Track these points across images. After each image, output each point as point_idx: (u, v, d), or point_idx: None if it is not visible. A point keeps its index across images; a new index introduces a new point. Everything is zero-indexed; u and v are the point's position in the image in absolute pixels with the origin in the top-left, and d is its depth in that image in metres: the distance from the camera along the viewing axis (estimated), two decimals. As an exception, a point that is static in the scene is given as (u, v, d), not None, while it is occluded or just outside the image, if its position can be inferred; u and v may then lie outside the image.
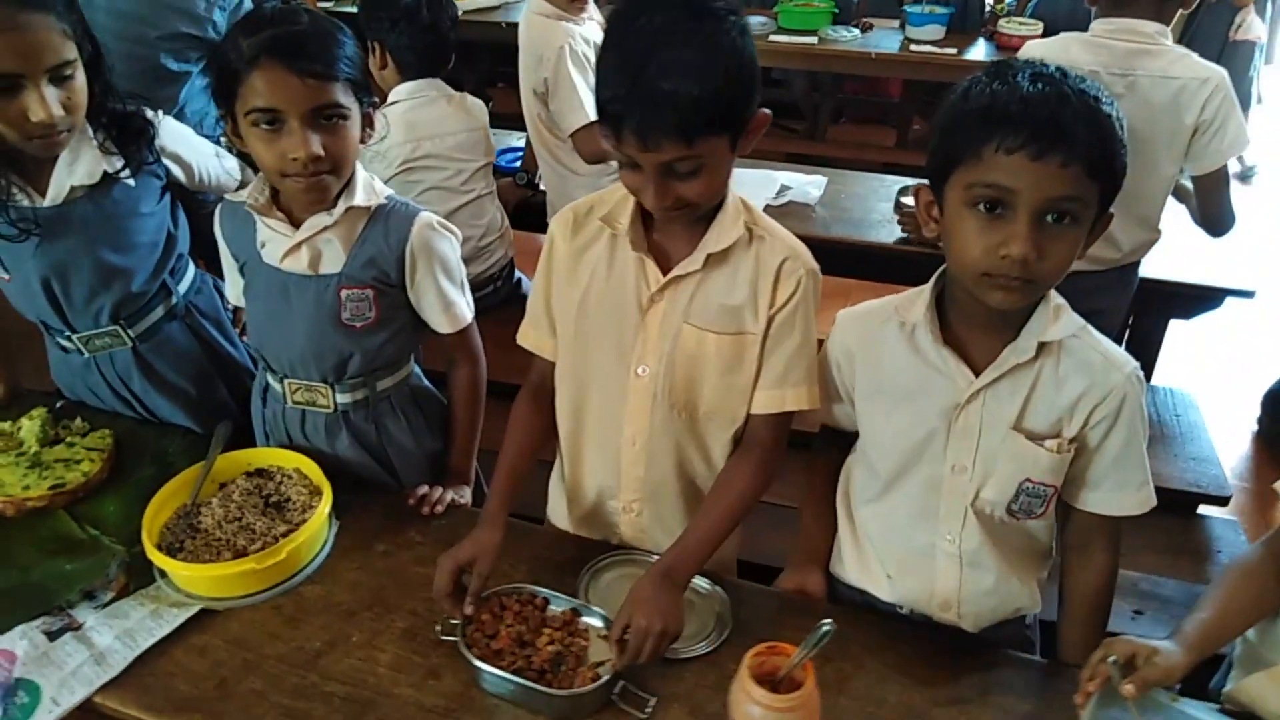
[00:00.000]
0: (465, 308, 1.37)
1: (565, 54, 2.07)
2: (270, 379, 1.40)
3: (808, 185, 2.53)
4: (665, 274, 1.14)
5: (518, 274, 2.44)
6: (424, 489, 1.39)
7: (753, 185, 2.49)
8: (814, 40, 4.15)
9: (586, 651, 1.13)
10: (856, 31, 4.24)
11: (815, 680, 0.96)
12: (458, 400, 1.45)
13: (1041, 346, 1.05)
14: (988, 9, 4.53)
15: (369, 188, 1.29)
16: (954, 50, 4.03)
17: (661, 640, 1.07)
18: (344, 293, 1.29)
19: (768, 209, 2.45)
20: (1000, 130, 0.94)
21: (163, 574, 1.26)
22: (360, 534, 1.34)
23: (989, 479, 1.10)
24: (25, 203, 1.35)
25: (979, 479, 1.10)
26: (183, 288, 1.55)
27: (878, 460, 1.18)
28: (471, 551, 1.15)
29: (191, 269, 1.59)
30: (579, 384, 1.24)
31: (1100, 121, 0.95)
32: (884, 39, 4.26)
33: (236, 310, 1.68)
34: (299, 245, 1.27)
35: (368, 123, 1.25)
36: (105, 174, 1.37)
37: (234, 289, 1.41)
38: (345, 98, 1.19)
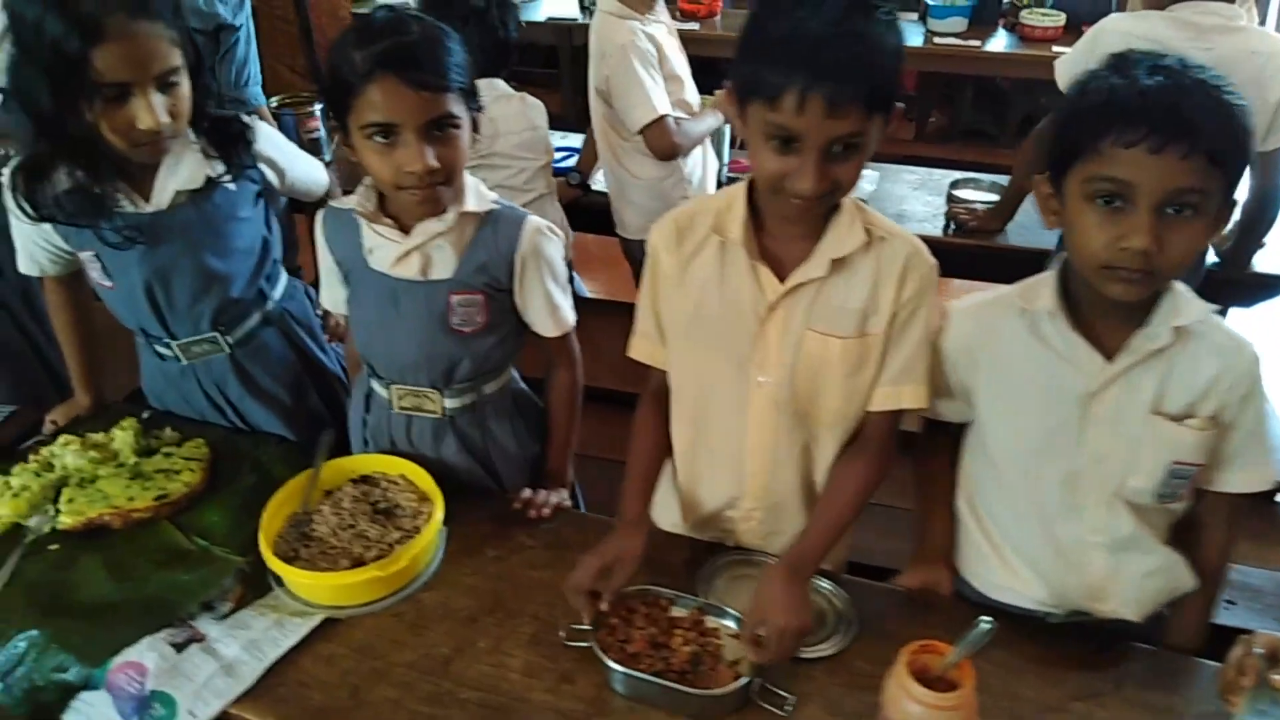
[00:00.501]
0: (570, 311, 1.37)
1: (629, 50, 2.06)
2: (376, 385, 1.40)
3: (863, 183, 2.52)
4: (781, 280, 1.13)
5: (573, 274, 2.44)
6: (527, 492, 1.39)
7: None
8: (837, 34, 4.14)
9: (721, 651, 1.14)
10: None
11: (975, 680, 0.96)
12: (557, 403, 1.45)
13: (1175, 331, 1.06)
14: (1006, 1, 4.53)
15: (478, 193, 1.29)
16: (977, 42, 4.04)
17: (797, 637, 1.08)
18: (454, 298, 1.29)
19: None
20: (1119, 124, 0.95)
21: (279, 583, 1.25)
22: (469, 539, 1.34)
23: (1135, 466, 1.10)
24: (130, 208, 1.35)
25: (1123, 466, 1.10)
26: (277, 293, 1.55)
27: (1004, 458, 1.18)
28: (615, 553, 1.16)
29: (284, 275, 1.58)
30: (697, 393, 1.24)
31: (1222, 111, 0.96)
32: (905, 32, 4.25)
33: (324, 316, 1.67)
34: (410, 252, 1.26)
35: (475, 127, 1.25)
36: (207, 178, 1.37)
37: (330, 296, 1.41)
38: (457, 107, 1.19)
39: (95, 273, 1.41)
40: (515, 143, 2.18)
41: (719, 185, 2.42)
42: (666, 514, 1.35)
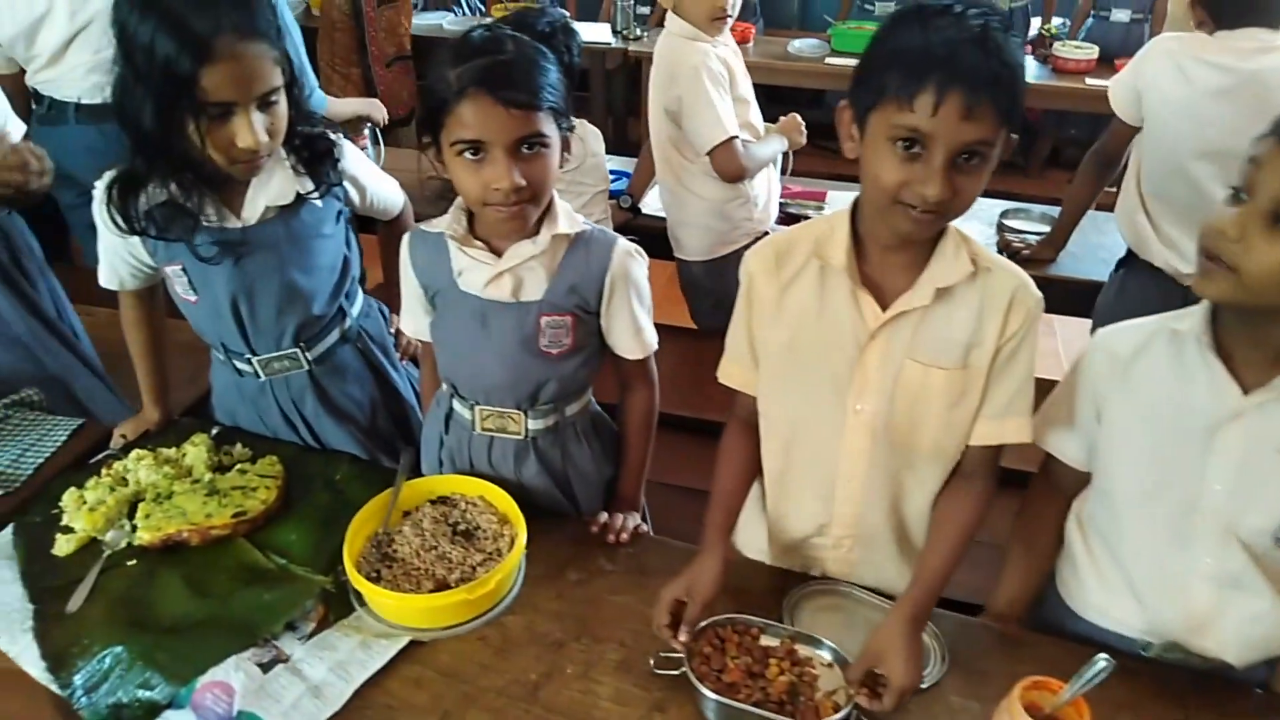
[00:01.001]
0: (653, 334, 1.37)
1: (701, 71, 2.06)
2: (458, 406, 1.39)
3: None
4: (883, 308, 1.13)
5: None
6: (604, 516, 1.38)
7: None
8: (871, 63, 4.17)
9: (816, 681, 1.12)
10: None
11: (1091, 718, 0.95)
12: (634, 426, 1.44)
13: None
14: (1032, 32, 4.57)
15: (569, 215, 1.29)
16: (1011, 73, 4.06)
17: (914, 690, 1.07)
18: (544, 319, 1.28)
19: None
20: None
21: (362, 603, 1.24)
22: (550, 562, 1.33)
23: (1254, 504, 1.08)
24: (220, 223, 1.36)
25: (1243, 503, 1.09)
26: (355, 311, 1.55)
27: (1122, 478, 1.17)
28: (691, 581, 1.15)
29: (361, 293, 1.58)
30: (790, 420, 1.23)
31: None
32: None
33: (396, 335, 1.67)
34: (501, 274, 1.26)
35: (565, 147, 1.25)
36: (296, 194, 1.38)
37: (413, 322, 1.40)
38: (548, 126, 1.19)
39: (180, 287, 1.41)
40: (573, 169, 2.19)
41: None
42: (752, 541, 1.34)
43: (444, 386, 1.42)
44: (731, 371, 1.28)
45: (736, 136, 2.09)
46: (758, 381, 1.26)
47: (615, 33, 4.74)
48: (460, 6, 5.40)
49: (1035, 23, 4.68)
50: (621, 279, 1.30)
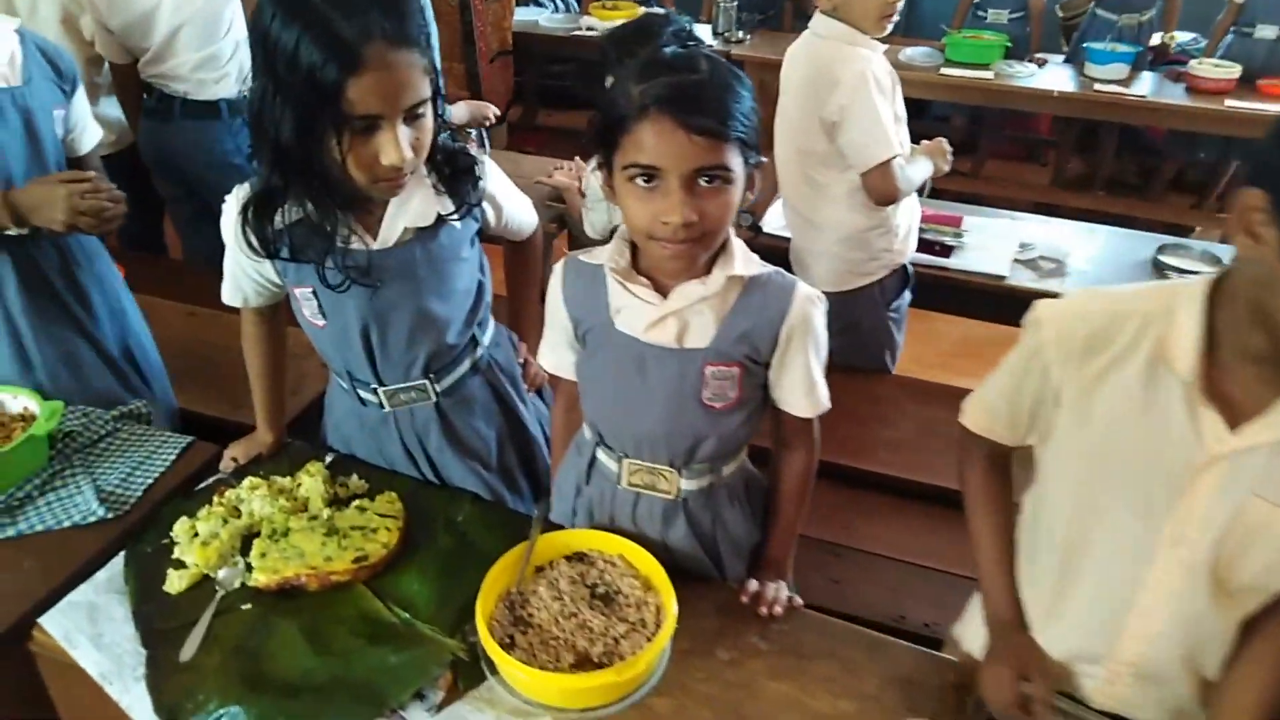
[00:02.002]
0: (826, 391, 1.22)
1: (867, 80, 1.89)
2: (604, 456, 1.27)
3: (1057, 239, 2.34)
4: (1231, 428, 0.90)
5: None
6: (754, 585, 1.25)
7: (993, 239, 2.32)
8: (989, 75, 3.96)
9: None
10: (1033, 67, 4.05)
11: None
12: (790, 489, 1.30)
13: None
14: (1175, 47, 4.30)
15: (746, 255, 1.15)
16: (1143, 92, 3.81)
17: None
18: (709, 369, 1.15)
19: (1017, 265, 2.29)
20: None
21: (494, 670, 1.13)
22: (697, 635, 1.20)
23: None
24: (356, 245, 1.26)
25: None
26: (486, 339, 1.44)
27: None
28: (1024, 659, 1.06)
29: (492, 321, 1.47)
30: (1081, 529, 1.05)
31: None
32: (1059, 75, 4.06)
33: (523, 365, 1.56)
34: (666, 316, 1.13)
35: (750, 185, 1.11)
36: (438, 216, 1.27)
37: (555, 358, 1.28)
38: (733, 159, 1.05)
39: (309, 311, 1.32)
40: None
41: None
42: (979, 637, 1.18)
43: (587, 432, 1.29)
44: (978, 417, 1.14)
45: (898, 155, 1.92)
46: (1009, 433, 1.12)
47: (716, 34, 4.60)
48: (555, 2, 5.32)
49: (1156, 38, 4.42)
50: (801, 328, 1.16)
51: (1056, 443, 1.05)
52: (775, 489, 1.32)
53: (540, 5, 5.17)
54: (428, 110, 1.16)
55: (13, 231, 1.49)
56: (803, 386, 1.20)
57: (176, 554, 1.29)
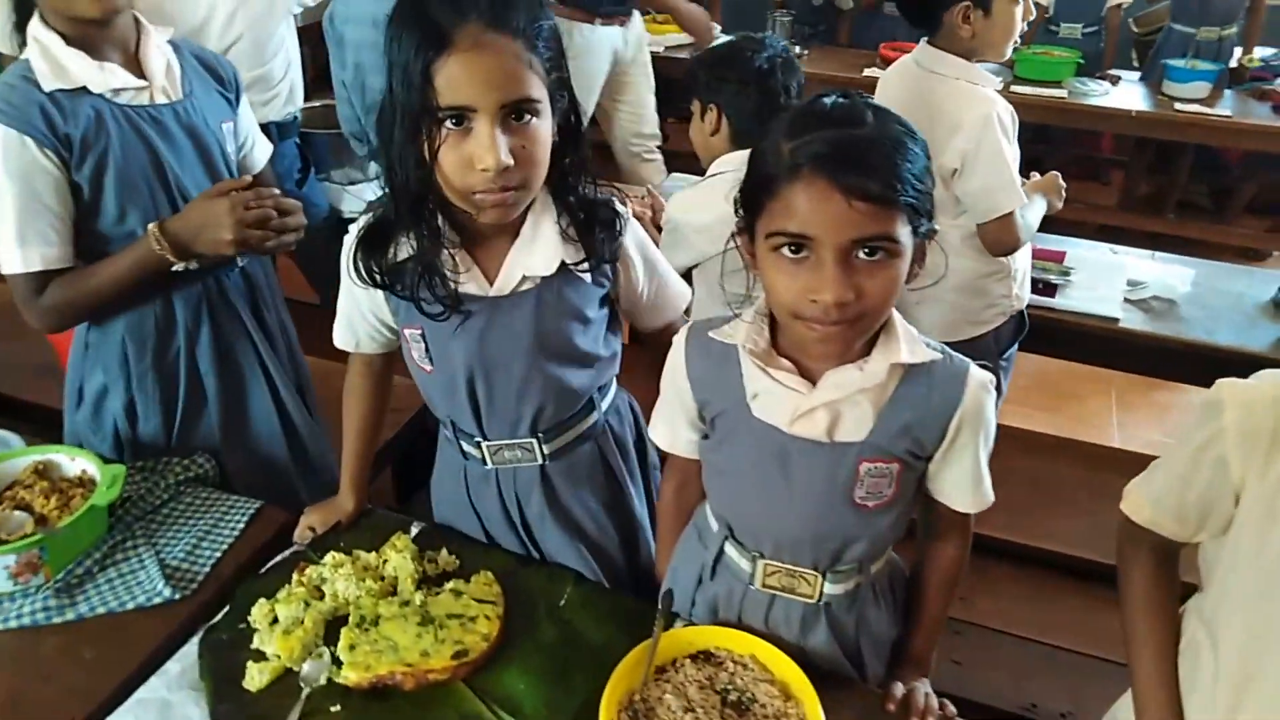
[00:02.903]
0: (990, 484, 1.07)
1: (994, 123, 1.75)
2: (735, 553, 1.13)
3: (1168, 277, 2.18)
4: None
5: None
6: (900, 689, 1.10)
7: (1098, 275, 2.16)
8: (1063, 93, 3.80)
9: None
10: (1107, 85, 3.88)
11: None
12: (941, 582, 1.16)
13: None
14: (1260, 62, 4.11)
15: (911, 338, 1.00)
16: (1226, 112, 3.63)
17: None
18: (864, 466, 1.00)
19: (1129, 306, 2.12)
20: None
21: (620, 797, 0.99)
22: (843, 751, 1.06)
23: None
24: (471, 288, 1.13)
25: None
26: (605, 405, 1.30)
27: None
28: None
29: (615, 386, 1.33)
30: (1256, 657, 0.92)
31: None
32: (1133, 93, 3.89)
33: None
34: (815, 408, 0.99)
35: (919, 257, 0.96)
36: (562, 264, 1.14)
37: (669, 431, 1.15)
38: (900, 228, 0.90)
39: (417, 353, 1.20)
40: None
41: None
42: None
43: (713, 523, 1.15)
44: (1145, 511, 1.00)
45: (1021, 204, 1.77)
46: (1182, 530, 0.98)
47: (772, 50, 4.45)
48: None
49: (1236, 53, 4.23)
50: (972, 420, 1.01)
51: (1231, 547, 0.92)
52: (923, 582, 1.17)
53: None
54: (539, 119, 1.03)
55: (179, 267, 1.38)
56: (970, 481, 1.05)
57: (256, 643, 1.16)
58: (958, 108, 1.78)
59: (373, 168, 2.77)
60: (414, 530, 1.34)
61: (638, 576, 1.37)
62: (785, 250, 0.91)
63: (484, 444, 1.24)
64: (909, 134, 0.91)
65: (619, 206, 1.18)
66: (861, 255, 0.89)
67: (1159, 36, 4.27)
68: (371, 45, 2.20)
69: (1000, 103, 1.80)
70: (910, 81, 1.89)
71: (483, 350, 1.15)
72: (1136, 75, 4.22)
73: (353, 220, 2.79)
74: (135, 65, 1.36)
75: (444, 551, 1.30)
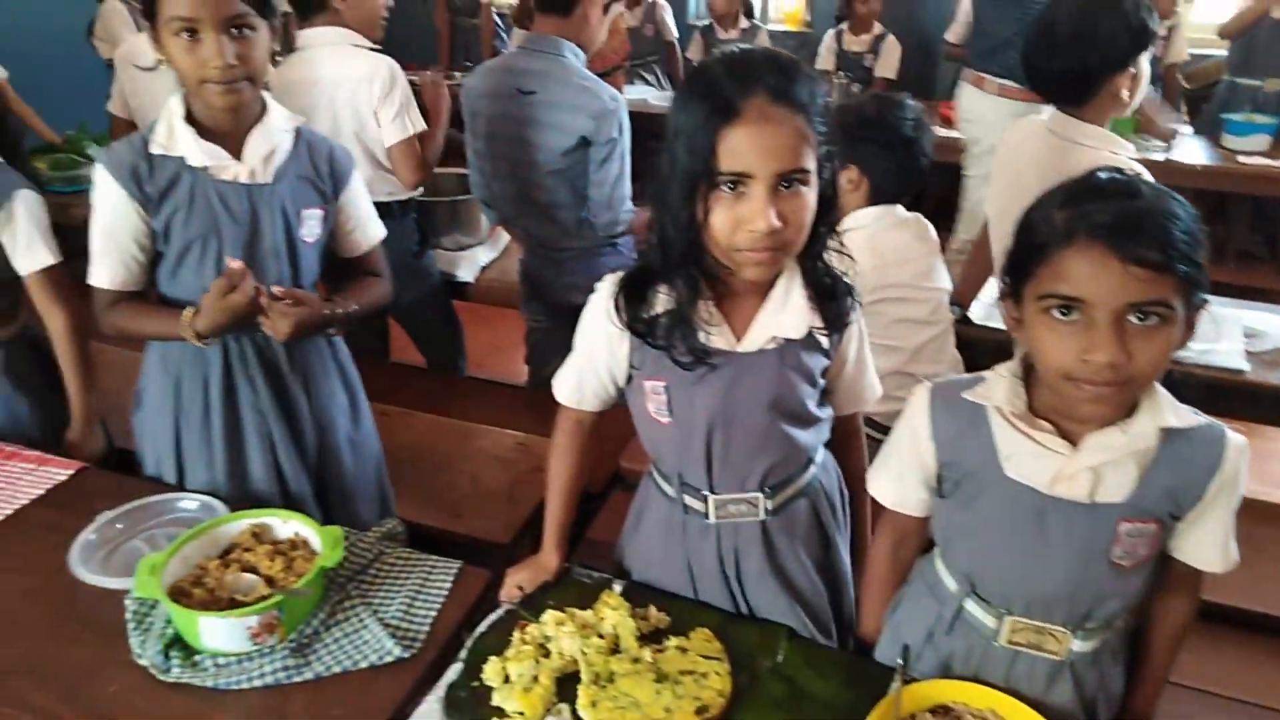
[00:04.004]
0: (1235, 542, 1.11)
1: None
2: (975, 609, 1.16)
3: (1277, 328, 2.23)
4: None
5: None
6: None
7: (1213, 326, 2.20)
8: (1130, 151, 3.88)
9: None
10: (1160, 142, 3.96)
11: None
12: (1171, 637, 1.18)
13: None
14: None
15: (1172, 402, 1.05)
16: (1289, 163, 3.72)
17: None
18: (1124, 527, 1.05)
19: (1252, 358, 2.17)
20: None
21: None
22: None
23: None
24: (719, 343, 1.20)
25: None
26: (819, 459, 1.36)
27: None
28: None
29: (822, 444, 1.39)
30: None
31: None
32: (1191, 148, 3.97)
33: None
34: (1079, 470, 1.04)
35: (1190, 327, 0.99)
36: (810, 330, 1.21)
37: (896, 486, 1.20)
38: (1174, 296, 0.94)
39: (654, 406, 1.26)
40: (913, 271, 1.99)
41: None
42: None
43: (950, 582, 1.19)
44: None
45: None
46: None
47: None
48: (655, 78, 5.35)
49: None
50: (1230, 485, 1.05)
51: None
52: (1152, 637, 1.20)
53: (647, 83, 5.20)
54: (807, 187, 1.10)
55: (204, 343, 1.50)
56: (1220, 542, 1.09)
57: (496, 701, 1.19)
58: (1070, 168, 1.84)
59: (482, 231, 2.87)
60: (617, 588, 1.38)
61: (843, 630, 1.41)
62: (1056, 312, 0.97)
63: (711, 497, 1.29)
64: (1182, 205, 0.97)
65: (850, 280, 1.24)
66: (1134, 320, 0.94)
67: (1218, 90, 4.36)
68: (503, 116, 2.30)
69: (1145, 171, 1.86)
70: (1049, 152, 1.96)
71: (725, 404, 1.21)
72: (1190, 130, 4.31)
73: (465, 284, 2.85)
74: (239, 143, 1.49)
75: (652, 608, 1.34)
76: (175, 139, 1.46)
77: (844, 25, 5.04)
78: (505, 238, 2.94)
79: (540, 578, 1.40)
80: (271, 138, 1.51)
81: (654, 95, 4.96)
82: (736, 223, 1.08)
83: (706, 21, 5.39)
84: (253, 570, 1.35)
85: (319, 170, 1.58)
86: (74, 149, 3.39)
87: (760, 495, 1.28)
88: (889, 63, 5.00)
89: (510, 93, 2.28)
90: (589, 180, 2.32)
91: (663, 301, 1.18)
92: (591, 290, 1.26)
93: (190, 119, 1.46)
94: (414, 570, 1.45)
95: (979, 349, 2.26)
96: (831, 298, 1.21)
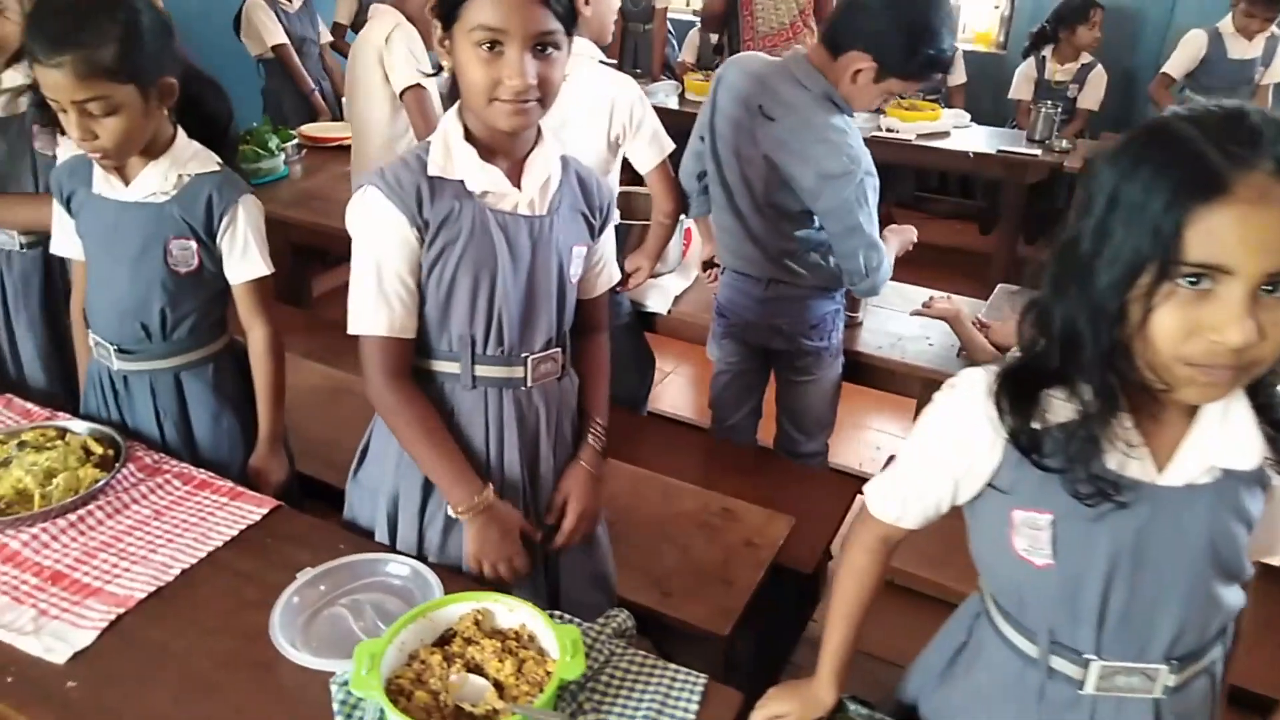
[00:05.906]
0: None
1: None
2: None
3: None
4: None
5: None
6: None
7: None
8: None
9: None
10: None
11: None
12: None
13: None
14: None
15: None
16: None
17: None
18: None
19: None
20: None
21: None
22: None
23: None
24: (1134, 472, 0.93)
25: None
26: (1230, 631, 1.07)
27: None
28: None
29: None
30: None
31: None
32: None
33: None
34: None
35: None
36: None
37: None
38: None
39: (1025, 543, 0.98)
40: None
41: None
42: None
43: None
44: None
45: None
46: None
47: (1033, 141, 4.21)
48: (671, 78, 5.27)
49: None
50: None
51: None
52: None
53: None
54: None
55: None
56: None
57: None
58: None
59: (672, 259, 2.65)
60: None
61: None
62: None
63: (1094, 663, 1.00)
64: None
65: None
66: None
67: None
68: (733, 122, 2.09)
69: None
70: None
71: (1136, 549, 0.94)
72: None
73: (653, 315, 2.59)
74: (518, 171, 1.31)
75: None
76: (453, 160, 1.27)
77: (1046, 52, 4.65)
78: (695, 267, 2.70)
79: (812, 715, 1.15)
80: (548, 165, 1.32)
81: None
82: (1194, 328, 0.81)
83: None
84: (478, 670, 1.15)
85: (590, 203, 1.39)
86: (258, 141, 3.34)
87: (1164, 668, 0.99)
88: (1093, 94, 4.60)
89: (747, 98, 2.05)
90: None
91: (1061, 410, 0.92)
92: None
93: (468, 138, 1.27)
94: (652, 680, 1.23)
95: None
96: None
